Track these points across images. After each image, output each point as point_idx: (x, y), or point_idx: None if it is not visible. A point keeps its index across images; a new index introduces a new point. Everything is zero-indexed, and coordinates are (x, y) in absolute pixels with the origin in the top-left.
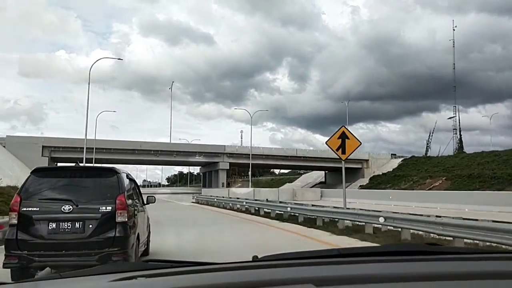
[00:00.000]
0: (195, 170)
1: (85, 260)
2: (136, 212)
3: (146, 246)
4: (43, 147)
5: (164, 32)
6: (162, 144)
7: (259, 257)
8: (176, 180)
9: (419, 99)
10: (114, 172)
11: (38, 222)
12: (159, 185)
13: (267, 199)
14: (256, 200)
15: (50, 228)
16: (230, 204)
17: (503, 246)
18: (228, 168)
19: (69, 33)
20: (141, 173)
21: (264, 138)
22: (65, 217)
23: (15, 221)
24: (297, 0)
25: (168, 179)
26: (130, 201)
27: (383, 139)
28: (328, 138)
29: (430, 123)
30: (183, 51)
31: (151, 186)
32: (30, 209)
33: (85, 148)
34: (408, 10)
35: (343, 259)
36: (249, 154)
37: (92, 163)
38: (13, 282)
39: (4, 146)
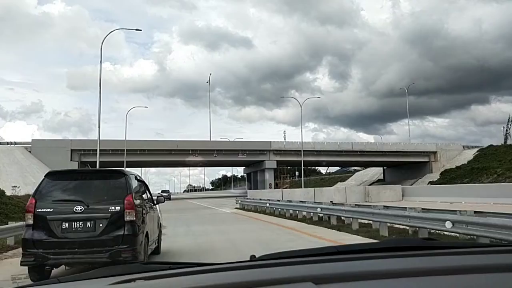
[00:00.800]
0: (239, 172)
1: (96, 257)
2: (144, 211)
3: (157, 244)
4: (72, 150)
5: (203, 38)
6: (201, 143)
7: (257, 256)
8: (220, 184)
9: (467, 92)
10: (122, 174)
11: (52, 222)
12: (203, 189)
13: (331, 202)
14: (324, 203)
15: (63, 227)
16: (291, 210)
17: None
18: (275, 167)
19: (113, 45)
20: (186, 178)
21: (306, 139)
22: (77, 217)
23: (31, 222)
24: None
25: (212, 183)
26: (138, 201)
27: (431, 135)
28: (372, 135)
29: (480, 116)
30: (223, 56)
31: (195, 190)
32: (44, 210)
33: (98, 150)
34: (451, 1)
35: (341, 256)
36: (299, 151)
37: (123, 166)
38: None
39: (30, 151)
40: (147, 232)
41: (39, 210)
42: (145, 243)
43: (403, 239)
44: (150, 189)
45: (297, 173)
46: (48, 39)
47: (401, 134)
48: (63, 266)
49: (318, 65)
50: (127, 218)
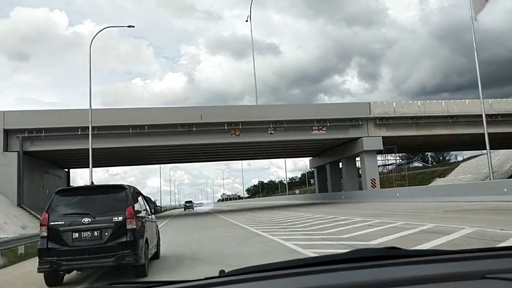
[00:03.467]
0: (279, 174)
1: (104, 262)
2: (143, 220)
3: (156, 250)
4: (6, 131)
5: (230, 47)
6: (243, 111)
7: (225, 271)
8: (258, 191)
9: (505, 85)
10: (122, 188)
11: (64, 233)
12: (238, 197)
13: None
14: None
15: (73, 237)
16: None
17: None
18: (381, 148)
19: (142, 60)
20: (219, 187)
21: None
22: (85, 227)
23: (45, 234)
24: None
25: (248, 190)
26: (137, 212)
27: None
28: None
29: None
30: (250, 64)
31: (229, 199)
32: (56, 223)
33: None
34: None
35: (308, 269)
36: (422, 117)
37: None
38: None
39: None
40: (146, 239)
41: (52, 223)
42: (146, 248)
43: (368, 249)
44: (180, 200)
45: (395, 158)
46: (80, 58)
47: None
48: (75, 272)
49: (346, 67)
50: (129, 227)
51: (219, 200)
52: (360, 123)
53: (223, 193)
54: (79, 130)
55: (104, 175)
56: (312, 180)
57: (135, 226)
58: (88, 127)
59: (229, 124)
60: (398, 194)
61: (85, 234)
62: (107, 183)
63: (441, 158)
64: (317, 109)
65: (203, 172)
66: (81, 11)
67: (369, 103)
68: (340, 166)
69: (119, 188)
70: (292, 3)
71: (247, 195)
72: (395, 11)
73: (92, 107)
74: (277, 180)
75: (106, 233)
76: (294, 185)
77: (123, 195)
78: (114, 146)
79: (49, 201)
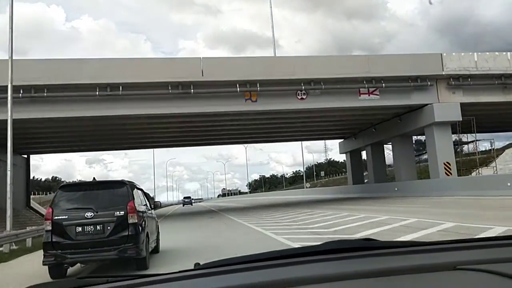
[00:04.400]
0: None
1: (106, 255)
2: (144, 215)
3: (156, 244)
4: None
5: (229, 42)
6: (264, 64)
7: (200, 263)
8: (260, 185)
9: None
10: (124, 183)
11: (68, 227)
12: (239, 192)
13: None
14: None
15: (77, 231)
16: None
17: None
18: (459, 119)
19: (141, 55)
20: (219, 183)
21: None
22: (88, 221)
23: (49, 228)
24: None
25: (249, 185)
26: (138, 206)
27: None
28: None
29: None
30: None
31: (230, 195)
32: (60, 217)
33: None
34: None
35: (284, 261)
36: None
37: None
38: None
39: None
40: (147, 233)
41: (56, 217)
42: (146, 241)
43: (344, 240)
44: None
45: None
46: (77, 54)
47: None
48: (78, 265)
49: None
50: (130, 221)
51: (219, 196)
52: (428, 83)
53: (224, 188)
54: (21, 92)
55: (102, 171)
56: (323, 172)
57: (136, 221)
58: (31, 87)
59: (243, 84)
60: (509, 184)
61: (88, 228)
62: (108, 179)
63: None
64: (368, 63)
65: (202, 168)
66: (79, 6)
67: (441, 54)
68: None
69: (120, 183)
70: None
71: (248, 190)
72: (395, 4)
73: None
74: (279, 175)
75: (109, 227)
76: (298, 179)
77: (124, 190)
78: (69, 115)
79: (53, 196)
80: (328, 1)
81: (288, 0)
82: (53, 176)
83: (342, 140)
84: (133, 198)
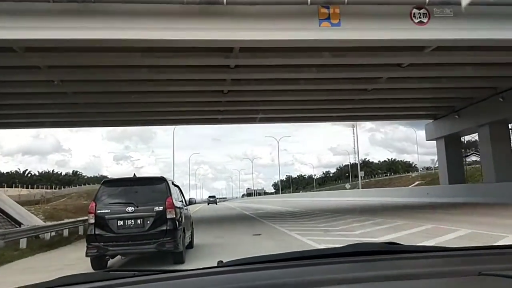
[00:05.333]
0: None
1: (145, 248)
2: (181, 211)
3: (190, 240)
4: None
5: None
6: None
7: (224, 261)
8: (289, 185)
9: None
10: (163, 180)
11: (110, 220)
12: (264, 193)
13: None
14: None
15: (118, 224)
16: None
17: None
18: None
19: None
20: (243, 182)
21: (363, 139)
22: (129, 216)
23: (92, 221)
24: None
25: (274, 185)
26: (176, 202)
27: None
28: None
29: None
30: None
31: (255, 195)
32: (103, 211)
33: None
34: None
35: (307, 262)
36: None
37: None
38: None
39: None
40: (183, 228)
41: (99, 211)
42: (183, 236)
43: (367, 243)
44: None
45: None
46: None
47: None
48: (118, 257)
49: None
50: (169, 216)
51: (243, 195)
52: None
53: (248, 188)
54: None
55: (129, 168)
56: (362, 173)
57: (174, 216)
58: None
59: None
60: None
61: (129, 222)
62: (147, 176)
63: None
64: None
65: (227, 167)
66: None
67: None
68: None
69: (160, 180)
70: None
71: (273, 191)
72: None
73: None
74: (306, 175)
75: (148, 222)
76: (328, 180)
77: (163, 186)
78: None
79: (96, 191)
80: None
81: None
82: (73, 171)
83: (431, 121)
84: (171, 194)
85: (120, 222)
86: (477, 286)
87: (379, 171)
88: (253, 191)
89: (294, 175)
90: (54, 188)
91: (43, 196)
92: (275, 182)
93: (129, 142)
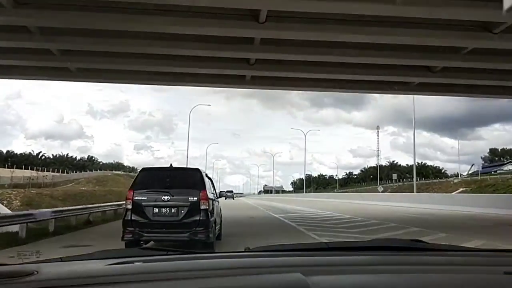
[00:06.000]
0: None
1: (179, 236)
2: (213, 202)
3: (219, 231)
4: None
5: None
6: None
7: (250, 248)
8: (309, 184)
9: None
10: (198, 171)
11: (146, 207)
12: (282, 191)
13: None
14: None
15: (154, 212)
16: None
17: None
18: None
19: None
20: (260, 179)
21: (385, 143)
22: (165, 204)
23: (129, 207)
24: None
25: (293, 183)
26: (209, 194)
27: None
28: (457, 141)
29: None
30: None
31: (271, 192)
32: (140, 198)
33: None
34: None
35: (331, 252)
36: None
37: None
38: (13, 264)
39: None
40: (214, 219)
41: (136, 198)
42: (214, 227)
43: (392, 239)
44: (219, 188)
45: None
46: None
47: (492, 139)
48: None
49: None
50: (202, 207)
51: (260, 192)
52: None
53: (266, 185)
54: None
55: (149, 158)
56: (395, 175)
57: (207, 207)
58: None
59: None
60: None
61: (164, 210)
62: (183, 166)
63: None
64: None
65: (245, 162)
66: None
67: None
68: None
69: (195, 171)
70: None
71: (292, 189)
72: None
73: (144, 93)
74: (327, 175)
75: (182, 211)
76: (350, 181)
77: (198, 178)
78: None
79: (134, 179)
80: None
81: None
82: (89, 156)
83: None
84: (206, 186)
85: (156, 210)
86: (503, 285)
87: (407, 175)
88: (273, 188)
89: (313, 174)
90: (67, 172)
91: (30, 178)
92: (293, 180)
93: (151, 132)
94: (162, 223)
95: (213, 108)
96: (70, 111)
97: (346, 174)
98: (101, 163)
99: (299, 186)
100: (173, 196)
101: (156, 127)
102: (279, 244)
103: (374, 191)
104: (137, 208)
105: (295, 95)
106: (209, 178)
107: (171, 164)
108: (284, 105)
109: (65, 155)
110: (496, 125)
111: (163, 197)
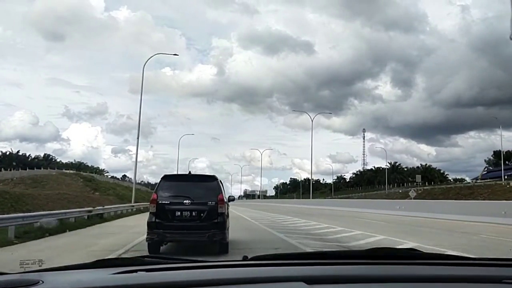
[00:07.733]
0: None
1: (199, 238)
2: (227, 207)
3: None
4: None
5: (263, 42)
6: None
7: (249, 257)
8: (292, 189)
9: None
10: (215, 178)
11: (169, 211)
12: (262, 196)
13: None
14: None
15: (176, 215)
16: None
17: None
18: None
19: (174, 50)
20: (241, 184)
21: (361, 149)
22: (186, 208)
23: (154, 210)
24: (401, 3)
25: (276, 187)
26: (225, 199)
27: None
28: (434, 147)
29: None
30: (282, 62)
31: (252, 197)
32: (163, 202)
33: None
34: None
35: (331, 261)
36: None
37: None
38: (16, 272)
39: None
40: (229, 222)
41: (160, 201)
42: (228, 229)
43: (389, 248)
44: None
45: None
46: (113, 44)
47: (466, 147)
48: (169, 244)
49: (381, 72)
50: (220, 211)
51: (240, 197)
52: None
53: (245, 189)
54: None
55: (127, 162)
56: (419, 177)
57: (224, 211)
58: None
59: None
60: None
61: (185, 213)
62: (201, 173)
63: None
64: None
65: (224, 167)
66: None
67: None
68: None
69: (212, 178)
70: (329, 2)
71: (273, 194)
72: (435, 18)
73: (121, 95)
74: (313, 180)
75: (202, 214)
76: (341, 186)
77: (215, 183)
78: None
79: (157, 184)
80: (367, 10)
81: (327, 6)
82: (45, 154)
83: None
84: (222, 191)
85: (178, 213)
86: None
87: (410, 178)
88: (255, 193)
89: (295, 180)
90: (16, 170)
91: None
92: (277, 185)
93: (129, 136)
94: (184, 225)
95: (193, 112)
96: (46, 113)
97: (337, 178)
98: (60, 162)
99: (283, 190)
100: (193, 200)
101: (134, 130)
102: (279, 253)
103: (381, 196)
104: (161, 211)
105: (275, 100)
106: (222, 184)
107: (189, 172)
108: (264, 109)
109: (15, 153)
110: (471, 133)
111: (185, 201)
